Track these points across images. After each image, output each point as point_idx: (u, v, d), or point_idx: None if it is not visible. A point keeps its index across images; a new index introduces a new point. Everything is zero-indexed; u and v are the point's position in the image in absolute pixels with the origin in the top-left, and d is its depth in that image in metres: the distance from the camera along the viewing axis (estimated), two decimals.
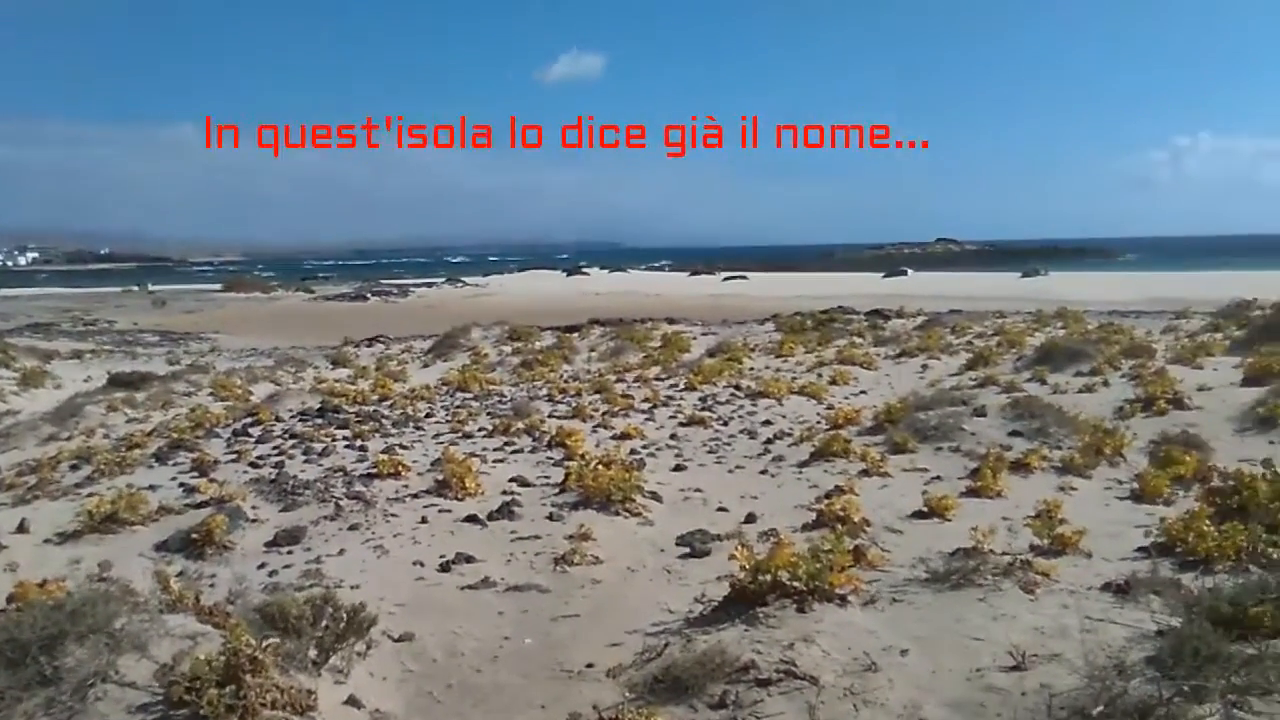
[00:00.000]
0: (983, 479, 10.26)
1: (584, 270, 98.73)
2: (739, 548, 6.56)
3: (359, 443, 13.36)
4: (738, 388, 18.91)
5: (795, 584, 5.96)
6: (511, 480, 10.81)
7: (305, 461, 12.21)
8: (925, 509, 9.24)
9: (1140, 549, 7.69)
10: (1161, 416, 13.97)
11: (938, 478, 10.89)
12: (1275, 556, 6.97)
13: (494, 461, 12.14)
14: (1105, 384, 16.94)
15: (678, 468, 11.95)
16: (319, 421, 15.58)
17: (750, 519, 9.33)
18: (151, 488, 10.63)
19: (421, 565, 7.91)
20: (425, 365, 28.11)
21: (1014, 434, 12.60)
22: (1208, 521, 7.48)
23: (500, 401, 18.50)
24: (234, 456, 12.59)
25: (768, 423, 15.10)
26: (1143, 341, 22.57)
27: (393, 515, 9.39)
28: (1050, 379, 17.78)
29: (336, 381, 23.68)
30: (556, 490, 10.23)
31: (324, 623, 5.34)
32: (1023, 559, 6.74)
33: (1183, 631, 4.84)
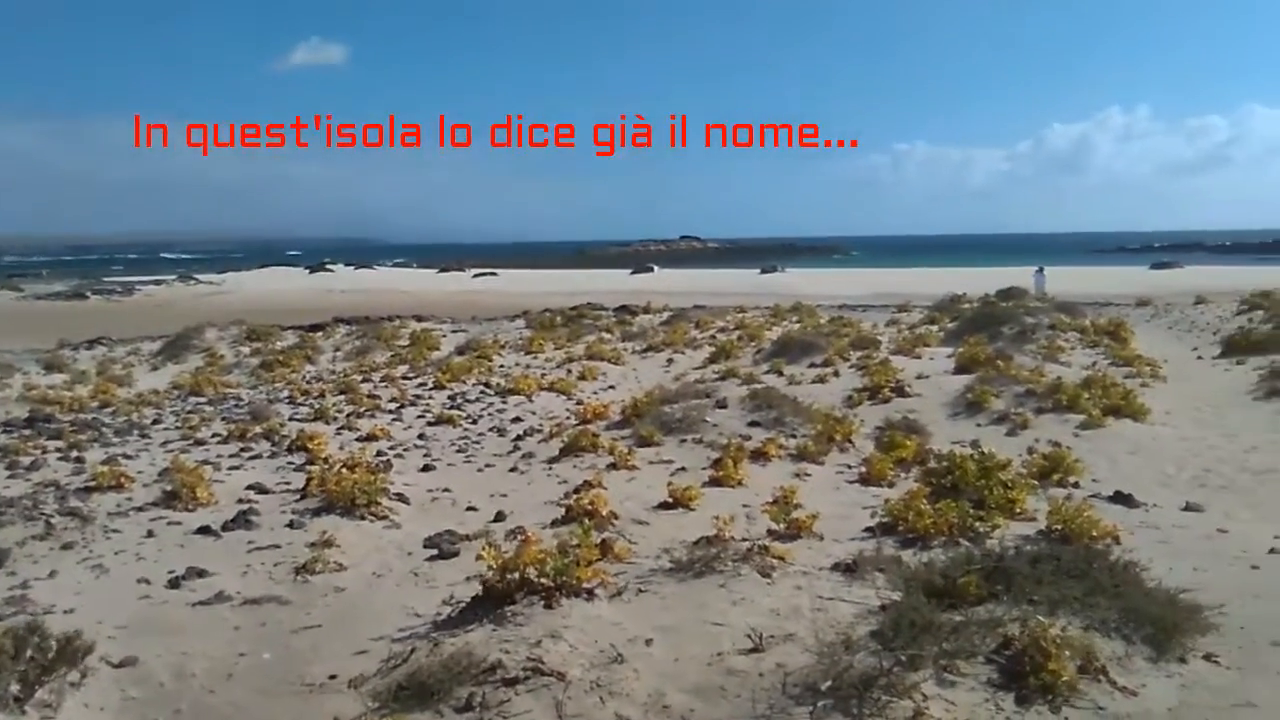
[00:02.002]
0: (724, 469, 10.64)
1: (328, 267, 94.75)
2: (486, 547, 6.50)
3: (75, 454, 12.34)
4: (487, 385, 18.83)
5: (543, 581, 5.95)
6: (249, 488, 10.29)
7: (10, 477, 11.15)
8: (670, 500, 9.47)
9: (867, 529, 8.19)
10: (886, 404, 15.03)
11: (682, 469, 11.21)
12: (981, 530, 7.62)
13: (229, 469, 11.53)
14: (836, 374, 17.99)
15: (426, 468, 11.74)
16: (27, 432, 14.30)
17: (500, 517, 9.27)
18: None
19: (147, 583, 7.34)
20: (154, 368, 26.32)
21: (753, 424, 13.16)
22: (925, 500, 8.09)
23: (237, 405, 17.60)
24: None
25: (518, 419, 15.10)
26: (869, 334, 24.15)
27: (114, 531, 8.69)
28: (787, 370, 18.71)
29: (50, 388, 21.78)
30: (298, 496, 9.82)
31: (28, 654, 4.87)
32: (760, 544, 7.02)
33: (901, 605, 5.18)
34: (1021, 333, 22.31)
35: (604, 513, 8.80)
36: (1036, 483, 9.97)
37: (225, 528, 8.73)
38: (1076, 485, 10.31)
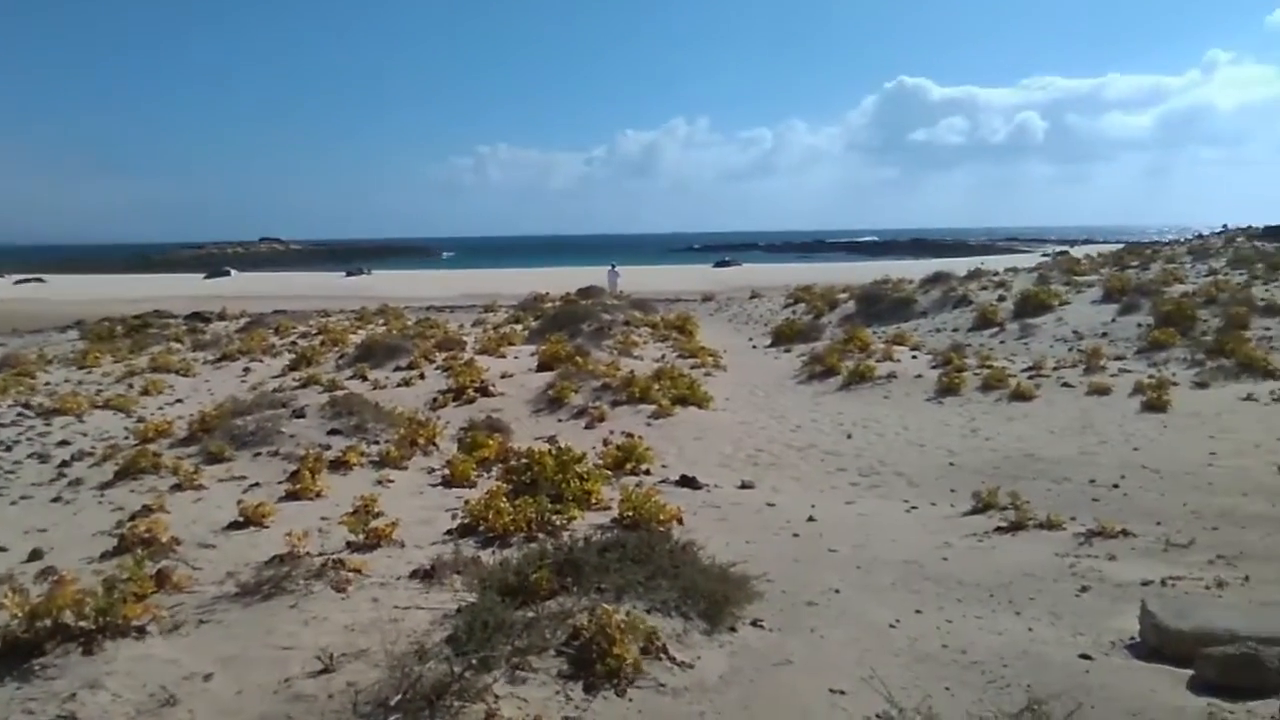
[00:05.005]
0: (302, 481, 10.15)
1: None
2: (9, 593, 5.69)
3: None
4: (27, 405, 16.66)
5: (83, 624, 5.32)
6: None
7: None
8: (242, 518, 8.85)
9: (448, 532, 8.12)
10: (471, 404, 15.13)
11: (256, 484, 10.55)
12: (559, 523, 7.82)
13: None
14: (422, 377, 17.84)
15: None
16: None
17: (36, 555, 8.16)
18: None
19: None
20: None
21: (333, 433, 12.67)
22: (505, 498, 8.16)
23: None
24: None
25: (64, 443, 13.49)
26: (455, 335, 24.20)
27: None
28: (371, 375, 18.31)
29: None
30: None
31: None
32: (335, 558, 6.74)
33: (475, 607, 5.15)
34: (599, 329, 23.39)
35: (164, 539, 8.04)
36: (611, 473, 10.46)
37: None
38: (648, 472, 10.91)
